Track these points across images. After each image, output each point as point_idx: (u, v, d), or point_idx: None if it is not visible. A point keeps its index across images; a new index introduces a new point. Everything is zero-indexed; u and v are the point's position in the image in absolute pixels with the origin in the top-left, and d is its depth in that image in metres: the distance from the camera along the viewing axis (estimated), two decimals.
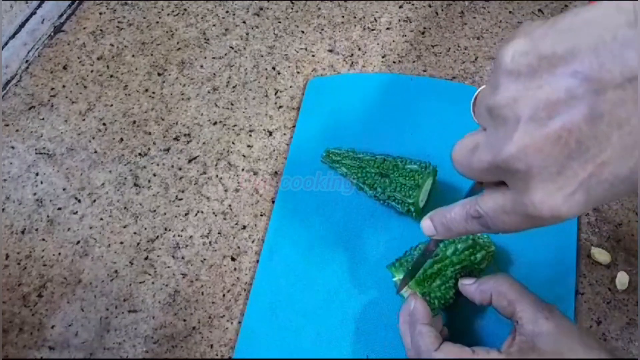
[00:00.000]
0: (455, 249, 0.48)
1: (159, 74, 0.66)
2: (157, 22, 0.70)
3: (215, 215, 0.57)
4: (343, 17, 0.70)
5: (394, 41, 0.67)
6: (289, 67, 0.66)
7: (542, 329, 0.40)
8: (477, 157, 0.31)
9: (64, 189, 0.59)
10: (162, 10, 0.71)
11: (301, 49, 0.67)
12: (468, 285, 0.46)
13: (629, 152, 0.26)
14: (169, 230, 0.56)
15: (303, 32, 0.69)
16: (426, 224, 0.38)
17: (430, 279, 0.47)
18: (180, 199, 0.58)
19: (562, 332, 0.40)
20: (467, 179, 0.33)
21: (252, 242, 0.55)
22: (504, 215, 0.31)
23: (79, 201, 0.58)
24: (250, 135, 0.61)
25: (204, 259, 0.55)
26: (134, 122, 0.63)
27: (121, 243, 0.56)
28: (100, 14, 0.71)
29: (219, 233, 0.56)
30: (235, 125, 0.62)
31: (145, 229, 0.56)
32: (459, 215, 0.35)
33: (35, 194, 0.59)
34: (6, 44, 0.65)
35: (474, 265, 0.48)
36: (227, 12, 0.71)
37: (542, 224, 0.30)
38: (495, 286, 0.44)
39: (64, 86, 0.65)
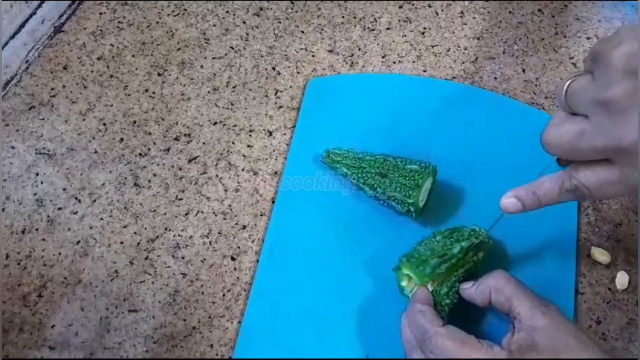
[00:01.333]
0: (461, 248, 0.48)
1: (159, 74, 0.66)
2: (157, 22, 0.70)
3: (215, 215, 0.57)
4: (343, 17, 0.70)
5: (394, 41, 0.67)
6: (289, 67, 0.66)
7: (539, 323, 0.40)
8: (586, 142, 0.36)
9: (64, 189, 0.59)
10: (162, 10, 0.71)
11: (301, 49, 0.67)
12: (468, 289, 0.46)
13: None
14: (169, 230, 0.56)
15: (303, 32, 0.69)
16: (509, 200, 0.43)
17: (439, 277, 0.47)
18: (180, 199, 0.58)
19: (558, 328, 0.40)
20: (554, 156, 0.39)
21: (252, 242, 0.56)
22: (608, 187, 0.37)
23: (79, 201, 0.58)
24: (250, 135, 0.62)
25: (204, 259, 0.55)
26: (134, 122, 0.63)
27: (121, 243, 0.56)
28: (101, 14, 0.71)
29: (219, 233, 0.56)
30: (235, 125, 0.62)
31: (145, 228, 0.56)
32: (551, 189, 0.41)
33: (35, 194, 0.59)
34: (6, 44, 0.65)
35: (477, 266, 0.48)
36: (227, 12, 0.71)
37: None
38: (492, 283, 0.44)
39: (64, 86, 0.65)
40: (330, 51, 0.67)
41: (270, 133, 0.62)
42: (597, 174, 0.38)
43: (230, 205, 0.57)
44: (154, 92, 0.65)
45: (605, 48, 0.35)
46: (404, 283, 0.48)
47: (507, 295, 0.43)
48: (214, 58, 0.67)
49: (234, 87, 0.65)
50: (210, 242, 0.56)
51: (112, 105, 0.64)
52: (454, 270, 0.47)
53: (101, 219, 0.57)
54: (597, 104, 0.35)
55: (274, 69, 0.66)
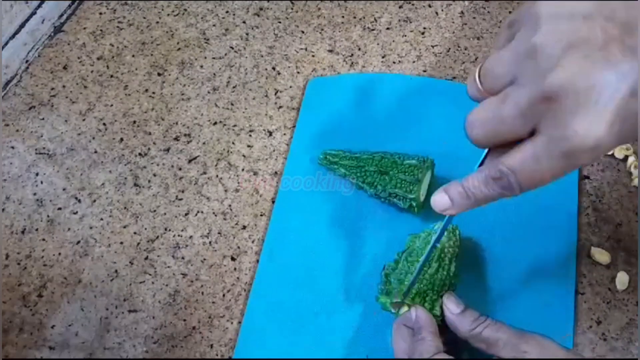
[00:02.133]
0: (437, 267, 0.47)
1: (159, 74, 0.66)
2: (157, 22, 0.70)
3: (215, 215, 0.57)
4: (343, 17, 0.70)
5: (394, 41, 0.67)
6: (289, 67, 0.66)
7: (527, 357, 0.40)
8: (509, 104, 0.33)
9: (64, 189, 0.59)
10: (162, 10, 0.71)
11: (301, 49, 0.67)
12: (449, 313, 0.45)
13: None
14: (169, 230, 0.56)
15: (303, 32, 0.69)
16: (439, 196, 0.39)
17: (417, 297, 0.46)
18: (180, 199, 0.58)
19: (542, 348, 0.40)
20: (481, 147, 0.36)
21: (252, 242, 0.56)
22: (535, 164, 0.33)
23: (79, 201, 0.58)
24: (250, 135, 0.62)
25: (204, 259, 0.55)
26: (134, 122, 0.63)
27: (121, 243, 0.56)
28: (100, 14, 0.71)
29: (219, 233, 0.56)
30: (235, 125, 0.62)
31: (145, 229, 0.56)
32: (477, 180, 0.37)
33: (35, 194, 0.59)
34: (6, 44, 0.65)
35: (452, 279, 0.47)
36: (227, 12, 0.71)
37: (577, 161, 0.32)
38: (471, 331, 0.43)
39: (64, 86, 0.65)
40: (330, 51, 0.67)
41: (270, 133, 0.62)
42: (521, 151, 0.34)
43: (230, 206, 0.57)
44: (154, 92, 0.65)
45: (522, 9, 0.33)
46: (395, 310, 0.47)
47: (487, 344, 0.42)
48: (214, 58, 0.67)
49: (234, 87, 0.65)
50: (210, 242, 0.56)
51: (112, 105, 0.64)
52: (431, 286, 0.46)
53: (101, 219, 0.57)
54: (520, 60, 0.33)
55: (274, 69, 0.66)
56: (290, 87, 0.65)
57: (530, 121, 0.33)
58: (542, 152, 0.33)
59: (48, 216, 0.57)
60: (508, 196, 0.36)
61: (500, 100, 0.34)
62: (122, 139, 0.62)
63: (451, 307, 0.45)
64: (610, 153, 0.58)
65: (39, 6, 0.67)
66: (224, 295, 0.53)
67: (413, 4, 0.70)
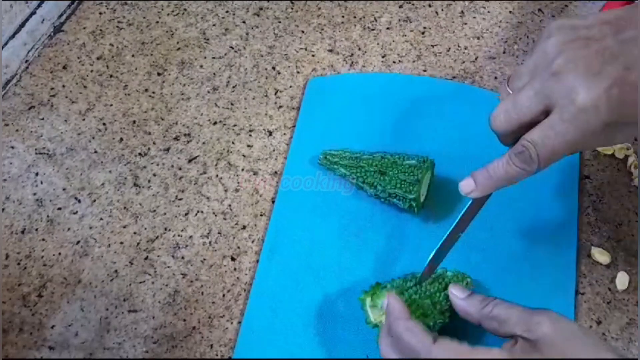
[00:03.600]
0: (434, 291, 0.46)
1: (158, 74, 0.66)
2: (157, 22, 0.70)
3: (215, 215, 0.57)
4: (343, 17, 0.70)
5: (394, 41, 0.67)
6: (289, 67, 0.66)
7: (539, 335, 0.39)
8: (525, 89, 0.40)
9: (64, 189, 0.59)
10: (162, 10, 0.71)
11: (301, 49, 0.67)
12: (457, 299, 0.45)
13: None
14: (169, 230, 0.56)
15: (303, 32, 0.69)
16: (465, 180, 0.44)
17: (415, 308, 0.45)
18: (180, 199, 0.58)
19: (561, 334, 0.39)
20: (503, 134, 0.42)
21: (252, 242, 0.56)
22: (551, 132, 0.39)
23: (79, 201, 0.58)
24: (250, 135, 0.62)
25: (204, 259, 0.55)
26: (134, 122, 0.63)
27: (121, 243, 0.56)
28: (100, 14, 0.71)
29: (219, 233, 0.56)
30: (235, 125, 0.62)
31: (145, 229, 0.56)
32: (500, 161, 0.42)
33: (35, 194, 0.59)
34: (6, 44, 0.65)
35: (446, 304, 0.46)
36: (227, 12, 0.71)
37: (587, 125, 0.38)
38: (479, 311, 0.43)
39: (64, 86, 0.65)
40: (330, 51, 0.67)
41: (270, 133, 0.62)
42: (539, 126, 0.40)
43: (230, 205, 0.57)
44: (153, 92, 0.65)
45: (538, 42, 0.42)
46: (371, 314, 0.46)
47: (499, 321, 0.41)
48: (213, 58, 0.67)
49: (233, 87, 0.65)
50: (210, 242, 0.56)
51: (111, 105, 0.64)
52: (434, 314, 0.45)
53: (101, 219, 0.57)
54: (535, 60, 0.41)
55: (274, 68, 0.66)
56: (290, 87, 0.64)
57: (543, 98, 0.39)
58: (556, 121, 0.39)
59: (48, 216, 0.57)
60: (527, 173, 0.41)
61: (518, 91, 0.41)
62: (122, 139, 0.62)
63: (457, 292, 0.45)
64: (610, 153, 0.58)
65: (39, 6, 0.67)
66: (224, 295, 0.53)
67: (413, 4, 0.70)
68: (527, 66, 0.42)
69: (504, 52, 0.66)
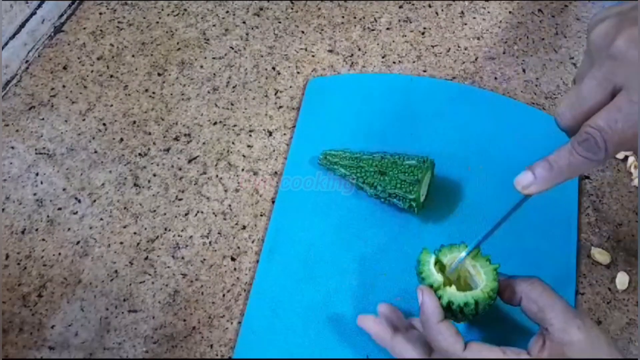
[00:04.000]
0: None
1: (159, 74, 0.66)
2: (157, 22, 0.70)
3: (215, 215, 0.57)
4: (343, 17, 0.70)
5: (394, 41, 0.67)
6: (289, 67, 0.66)
7: (573, 338, 0.39)
8: (587, 78, 0.38)
9: (64, 189, 0.59)
10: (162, 10, 0.71)
11: (301, 49, 0.67)
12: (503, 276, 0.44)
13: None
14: (169, 230, 0.56)
15: (303, 32, 0.69)
16: (523, 174, 0.39)
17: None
18: (180, 199, 0.58)
19: (592, 344, 0.39)
20: (569, 127, 0.39)
21: (252, 242, 0.56)
22: (619, 115, 0.36)
23: (79, 201, 0.58)
24: (250, 135, 0.62)
25: (204, 259, 0.55)
26: (134, 122, 0.63)
27: (121, 243, 0.56)
28: (100, 14, 0.71)
29: (219, 233, 0.56)
30: (235, 125, 0.62)
31: (145, 229, 0.56)
32: (563, 150, 0.38)
33: (35, 194, 0.59)
34: (6, 44, 0.65)
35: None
36: (227, 12, 0.71)
37: None
38: (526, 290, 0.42)
39: (64, 86, 0.65)
40: (330, 51, 0.67)
41: (270, 133, 0.62)
42: (605, 109, 0.37)
43: (230, 206, 0.57)
44: (153, 92, 0.65)
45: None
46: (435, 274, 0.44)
47: (540, 306, 0.41)
48: (214, 58, 0.67)
49: (234, 87, 0.65)
50: (210, 243, 0.56)
51: (112, 105, 0.64)
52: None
53: (101, 219, 0.57)
54: (592, 52, 0.38)
55: (274, 69, 0.66)
56: (290, 87, 0.65)
57: (607, 84, 0.37)
58: (623, 102, 0.36)
59: (48, 216, 0.57)
60: (593, 163, 0.37)
61: (579, 82, 0.38)
62: (122, 139, 0.62)
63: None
64: None
65: (39, 6, 0.67)
66: (224, 295, 0.53)
67: (413, 4, 0.70)
68: (584, 61, 0.40)
69: (504, 53, 0.66)
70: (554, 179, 0.39)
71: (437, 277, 0.43)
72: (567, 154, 0.38)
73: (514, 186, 0.40)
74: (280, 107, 0.63)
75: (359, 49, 0.67)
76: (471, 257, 0.44)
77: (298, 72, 0.65)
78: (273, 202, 0.57)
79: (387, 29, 0.68)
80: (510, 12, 0.69)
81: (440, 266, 0.44)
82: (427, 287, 0.43)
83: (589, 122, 0.37)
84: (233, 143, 0.61)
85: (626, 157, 0.58)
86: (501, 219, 0.43)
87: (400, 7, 0.70)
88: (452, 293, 0.42)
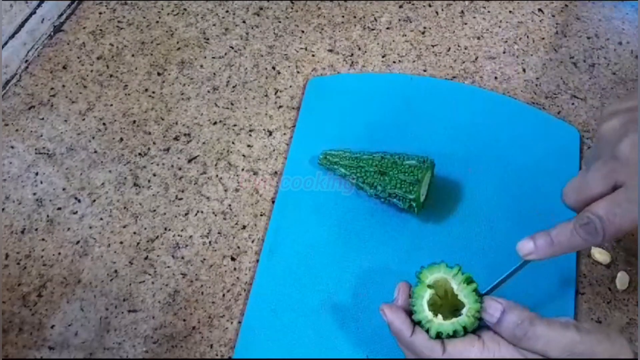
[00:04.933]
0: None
1: (158, 74, 0.66)
2: (157, 22, 0.70)
3: (215, 215, 0.57)
4: (343, 17, 0.70)
5: (394, 41, 0.67)
6: (289, 67, 0.66)
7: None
8: (592, 169, 0.42)
9: (63, 189, 0.59)
10: (162, 10, 0.71)
11: (301, 48, 0.67)
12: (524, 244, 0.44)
13: None
14: (169, 230, 0.56)
15: (303, 32, 0.69)
16: (525, 242, 0.43)
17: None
18: (180, 199, 0.58)
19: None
20: (574, 208, 0.43)
21: (252, 242, 0.55)
22: (617, 209, 0.40)
23: (79, 201, 0.58)
24: (250, 135, 0.61)
25: (204, 259, 0.55)
26: (134, 122, 0.63)
27: (121, 243, 0.56)
28: (100, 13, 0.71)
29: (219, 233, 0.56)
30: (235, 125, 0.62)
31: (145, 228, 0.56)
32: (564, 228, 0.42)
33: (35, 193, 0.59)
34: (6, 43, 0.65)
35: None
36: (227, 12, 0.71)
37: None
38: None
39: (63, 86, 0.65)
40: (330, 51, 0.67)
41: (270, 133, 0.62)
42: (605, 199, 0.41)
43: (230, 205, 0.57)
44: (153, 92, 0.65)
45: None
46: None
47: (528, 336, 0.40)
48: (213, 58, 0.67)
49: (233, 87, 0.65)
50: (210, 242, 0.56)
51: (111, 105, 0.64)
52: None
53: (101, 219, 0.57)
54: (598, 145, 0.43)
55: (274, 68, 0.66)
56: (290, 86, 0.64)
57: (610, 180, 0.40)
58: (622, 200, 0.40)
59: (48, 216, 0.57)
60: (590, 244, 0.41)
61: (585, 170, 0.42)
62: (122, 139, 0.62)
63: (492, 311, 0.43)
64: None
65: (39, 6, 0.67)
66: (224, 295, 0.53)
67: (413, 4, 0.70)
68: (593, 147, 0.44)
69: (504, 52, 0.66)
70: (553, 253, 0.42)
71: (427, 314, 0.42)
72: (568, 233, 0.41)
73: (516, 250, 0.43)
74: (280, 106, 0.63)
75: (359, 49, 0.67)
76: (451, 276, 0.44)
77: (298, 72, 0.65)
78: (273, 202, 0.57)
79: (387, 28, 0.68)
80: (510, 11, 0.69)
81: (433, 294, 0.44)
82: (387, 306, 0.42)
83: (590, 209, 0.41)
84: (233, 143, 0.61)
85: None
86: (502, 278, 0.44)
87: (401, 6, 0.70)
88: (440, 324, 0.42)
